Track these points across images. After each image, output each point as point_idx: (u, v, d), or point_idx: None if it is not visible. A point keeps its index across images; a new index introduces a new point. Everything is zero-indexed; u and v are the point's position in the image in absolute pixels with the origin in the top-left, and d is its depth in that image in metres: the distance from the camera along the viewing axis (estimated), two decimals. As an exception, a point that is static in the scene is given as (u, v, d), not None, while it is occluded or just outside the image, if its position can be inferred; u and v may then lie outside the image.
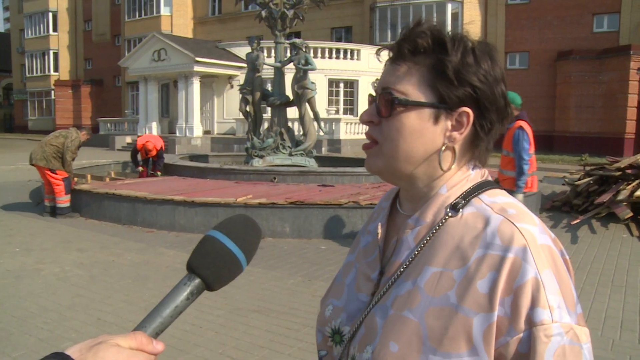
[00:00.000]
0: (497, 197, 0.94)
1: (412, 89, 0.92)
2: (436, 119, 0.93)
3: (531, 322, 0.80)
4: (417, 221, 0.96)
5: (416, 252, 0.92)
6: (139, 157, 12.81)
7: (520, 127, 6.06)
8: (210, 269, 0.80)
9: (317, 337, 1.08)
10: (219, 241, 0.82)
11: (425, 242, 0.92)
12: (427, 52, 0.93)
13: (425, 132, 0.93)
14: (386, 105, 0.93)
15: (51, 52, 47.67)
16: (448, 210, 0.93)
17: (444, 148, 0.94)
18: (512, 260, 0.82)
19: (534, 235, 0.85)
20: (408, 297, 0.89)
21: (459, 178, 0.97)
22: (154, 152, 12.67)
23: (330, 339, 1.03)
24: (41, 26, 48.01)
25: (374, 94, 0.99)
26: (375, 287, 0.97)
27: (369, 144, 0.97)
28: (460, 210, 0.93)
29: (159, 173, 12.56)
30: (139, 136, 12.76)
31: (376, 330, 0.90)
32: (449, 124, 0.93)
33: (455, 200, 0.94)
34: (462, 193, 0.95)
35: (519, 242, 0.84)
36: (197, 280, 0.79)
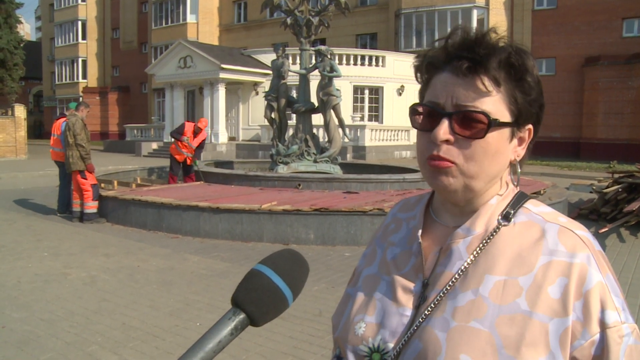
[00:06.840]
0: (541, 207, 0.97)
1: (495, 108, 0.91)
2: (511, 137, 0.94)
3: (604, 325, 0.83)
4: (469, 231, 0.95)
5: (469, 262, 0.92)
6: (186, 141, 12.73)
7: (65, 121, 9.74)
8: (256, 304, 0.79)
9: (348, 357, 0.99)
10: (266, 276, 0.81)
11: (478, 251, 0.92)
12: (512, 69, 0.91)
13: (504, 150, 0.94)
14: (475, 125, 0.90)
15: (80, 60, 48.58)
16: (500, 219, 0.94)
17: (512, 164, 0.97)
18: (580, 266, 0.86)
19: (591, 242, 0.90)
20: (472, 307, 0.88)
21: (506, 189, 0.99)
22: (204, 136, 13.09)
23: (367, 358, 0.96)
24: (71, 34, 48.96)
25: (417, 102, 0.97)
26: (419, 299, 0.94)
27: (443, 163, 0.91)
28: (512, 219, 0.94)
29: (196, 161, 12.70)
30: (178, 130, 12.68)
31: (439, 344, 0.88)
32: (516, 141, 0.95)
33: (505, 210, 0.95)
34: (509, 203, 0.96)
35: (583, 248, 0.88)
36: (242, 316, 0.78)
